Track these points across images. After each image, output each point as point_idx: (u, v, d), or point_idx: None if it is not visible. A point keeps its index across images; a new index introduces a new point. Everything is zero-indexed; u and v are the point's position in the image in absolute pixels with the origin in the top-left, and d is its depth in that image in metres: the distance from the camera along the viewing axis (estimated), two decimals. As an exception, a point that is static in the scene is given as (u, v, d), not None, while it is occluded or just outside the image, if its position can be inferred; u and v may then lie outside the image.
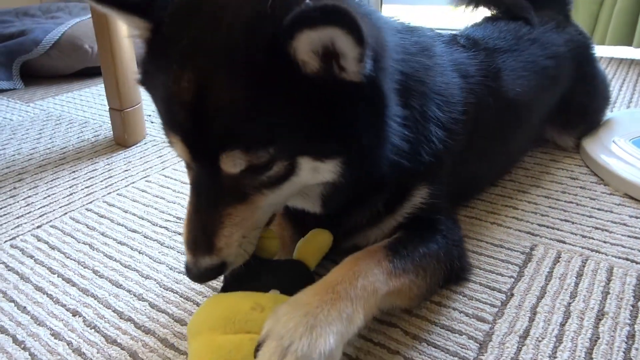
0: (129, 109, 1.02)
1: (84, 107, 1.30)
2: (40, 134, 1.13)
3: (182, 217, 0.76)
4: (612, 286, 0.58)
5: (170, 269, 0.64)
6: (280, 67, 0.39)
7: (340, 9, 0.34)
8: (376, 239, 0.54)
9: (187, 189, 0.85)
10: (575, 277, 0.59)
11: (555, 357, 0.49)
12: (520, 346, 0.50)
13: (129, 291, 0.60)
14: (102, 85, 1.45)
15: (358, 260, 0.48)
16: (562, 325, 0.52)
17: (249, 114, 0.41)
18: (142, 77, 0.48)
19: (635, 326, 0.52)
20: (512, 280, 0.59)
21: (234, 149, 0.41)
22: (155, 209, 0.79)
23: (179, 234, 0.72)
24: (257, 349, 0.39)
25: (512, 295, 0.57)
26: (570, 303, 0.55)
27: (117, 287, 0.61)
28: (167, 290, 0.60)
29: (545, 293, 0.57)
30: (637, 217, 0.71)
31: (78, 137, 1.10)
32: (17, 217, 0.78)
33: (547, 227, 0.70)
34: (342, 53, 0.38)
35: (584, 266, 0.61)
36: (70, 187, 0.88)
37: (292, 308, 0.41)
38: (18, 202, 0.83)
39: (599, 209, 0.74)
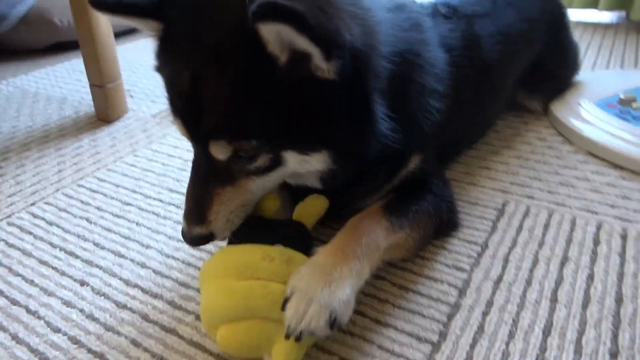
0: (110, 84, 1.02)
1: (60, 83, 1.28)
2: (18, 112, 1.12)
3: (174, 190, 0.79)
4: (575, 235, 0.64)
5: (169, 238, 0.67)
6: (260, 64, 0.42)
7: (285, 6, 0.37)
8: (372, 202, 0.58)
9: (175, 162, 0.88)
10: (543, 229, 0.65)
11: (524, 298, 0.55)
12: (494, 290, 0.56)
13: (132, 260, 0.63)
14: (76, 60, 1.44)
15: (360, 221, 0.53)
16: (531, 270, 0.59)
17: (233, 109, 0.45)
18: (157, 65, 0.52)
19: (594, 268, 0.59)
20: (487, 233, 0.65)
21: (219, 138, 0.46)
22: (147, 182, 0.82)
23: (174, 205, 0.75)
24: (285, 303, 0.44)
25: (487, 246, 0.63)
26: (538, 251, 0.62)
27: (120, 257, 0.64)
28: (168, 257, 0.64)
29: (516, 244, 0.63)
30: (598, 173, 0.78)
31: (58, 115, 1.10)
32: (9, 196, 0.80)
33: (518, 184, 0.76)
34: (307, 52, 0.41)
35: (550, 218, 0.67)
36: (58, 165, 0.89)
37: (311, 269, 0.46)
38: (7, 180, 0.84)
39: (564, 167, 0.80)
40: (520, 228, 0.66)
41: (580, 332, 0.50)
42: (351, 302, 0.46)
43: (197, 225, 0.50)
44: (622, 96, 0.90)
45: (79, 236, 0.69)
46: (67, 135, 1.00)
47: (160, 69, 0.51)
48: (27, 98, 1.19)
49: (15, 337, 0.53)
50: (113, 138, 0.98)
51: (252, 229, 0.52)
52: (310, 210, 0.56)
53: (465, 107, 0.72)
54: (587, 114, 0.90)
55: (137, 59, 1.42)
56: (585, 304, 0.54)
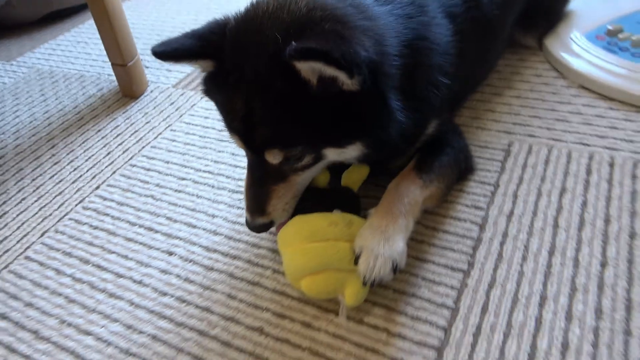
0: (130, 62, 1.08)
1: (70, 58, 1.33)
2: (42, 95, 1.18)
3: (219, 161, 0.89)
4: (570, 167, 0.76)
5: (230, 206, 0.79)
6: (296, 86, 0.52)
7: (321, 51, 0.46)
8: (402, 163, 0.69)
9: (210, 133, 0.97)
10: (544, 164, 0.77)
11: (532, 227, 0.68)
12: (507, 223, 0.69)
13: (204, 229, 0.75)
14: (75, 30, 1.47)
15: (399, 184, 0.65)
16: (536, 203, 0.71)
17: (280, 123, 0.56)
18: (206, 91, 0.63)
19: (587, 195, 0.71)
20: (497, 174, 0.77)
21: (273, 147, 0.57)
22: (192, 156, 0.91)
23: (223, 175, 0.86)
24: (356, 259, 0.57)
25: (498, 186, 0.75)
26: (540, 185, 0.74)
27: (193, 227, 0.76)
28: (234, 224, 0.76)
29: (522, 180, 0.75)
30: (589, 105, 0.88)
31: (83, 94, 1.17)
32: (73, 182, 0.90)
33: (520, 124, 0.86)
34: (334, 75, 0.50)
35: (549, 154, 0.79)
36: (104, 147, 0.98)
37: (371, 230, 0.59)
38: (64, 167, 0.94)
39: (559, 102, 0.90)
40: (525, 166, 0.78)
41: (577, 250, 0.64)
42: (405, 250, 0.59)
43: (260, 217, 0.62)
44: (609, 27, 0.98)
45: (151, 213, 0.80)
46: (100, 115, 1.08)
47: (211, 95, 0.62)
48: (45, 79, 1.24)
49: (132, 303, 0.66)
50: (145, 114, 1.06)
51: (312, 200, 0.63)
52: (355, 177, 0.67)
53: (472, 62, 0.81)
54: (577, 47, 0.98)
55: (133, 24, 1.44)
56: (580, 227, 0.67)
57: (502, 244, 0.66)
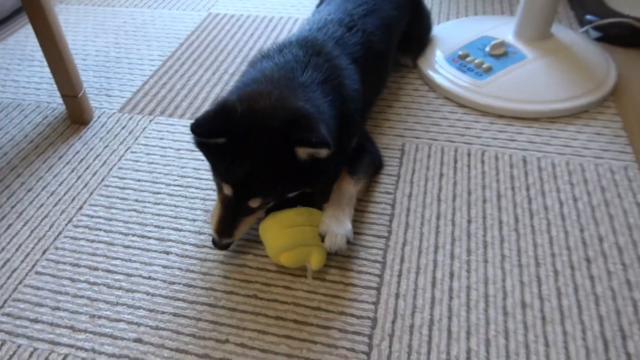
0: (81, 93, 1.20)
1: None
2: (-16, 125, 1.24)
3: (184, 175, 1.09)
4: (444, 158, 1.11)
5: (205, 211, 1.00)
6: (290, 161, 0.78)
7: (322, 142, 0.74)
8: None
9: (169, 152, 1.15)
10: (427, 158, 1.11)
11: (424, 203, 1.01)
12: (409, 202, 1.00)
13: (189, 231, 0.96)
14: None
15: (340, 186, 0.93)
16: (425, 186, 1.04)
17: (270, 185, 0.80)
18: (201, 146, 0.83)
19: (456, 177, 1.06)
20: (397, 167, 1.09)
21: (257, 197, 0.81)
22: (159, 173, 1.10)
23: (192, 187, 1.06)
24: (322, 239, 0.83)
25: (400, 176, 1.07)
26: (427, 173, 1.07)
27: (180, 231, 0.96)
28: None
29: (415, 171, 1.08)
30: (451, 112, 1.24)
31: (29, 123, 1.26)
32: (54, 205, 1.03)
33: (408, 129, 1.19)
34: (318, 152, 0.77)
35: (429, 150, 1.13)
36: (72, 172, 1.11)
37: (329, 218, 0.85)
38: (39, 193, 1.06)
39: (432, 110, 1.25)
40: (415, 160, 1.11)
41: (453, 214, 0.98)
42: (351, 229, 0.87)
43: (226, 238, 0.85)
44: (460, 52, 1.36)
45: (139, 224, 0.98)
46: (56, 143, 1.19)
47: (208, 151, 0.83)
48: (-19, 109, 1.30)
49: (148, 293, 0.85)
50: (100, 139, 1.20)
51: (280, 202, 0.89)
52: None
53: (372, 86, 1.12)
54: (439, 67, 1.35)
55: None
56: (454, 199, 1.01)
57: (407, 216, 0.98)
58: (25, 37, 1.65)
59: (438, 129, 1.19)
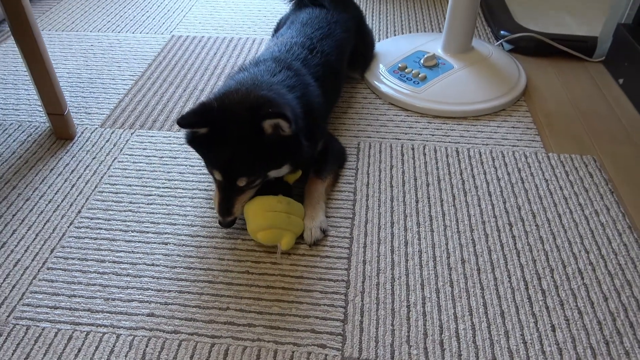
0: (66, 111, 1.32)
1: (-22, 109, 1.46)
2: (-32, 145, 1.32)
3: (170, 179, 1.23)
4: (393, 153, 1.32)
5: (194, 207, 1.15)
6: (260, 137, 0.95)
7: (281, 113, 0.91)
8: (309, 166, 1.16)
9: (153, 160, 1.29)
10: (378, 154, 1.32)
11: (380, 188, 1.21)
12: (367, 189, 1.20)
13: (183, 224, 1.10)
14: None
15: (310, 186, 1.11)
16: (379, 176, 1.24)
17: (249, 164, 0.97)
18: (191, 142, 0.99)
19: (404, 167, 1.27)
20: (355, 162, 1.29)
21: (242, 176, 0.98)
22: (147, 178, 1.23)
23: (180, 188, 1.20)
24: (304, 230, 1.02)
25: (357, 168, 1.27)
26: (379, 165, 1.28)
27: (174, 225, 1.10)
28: (203, 218, 1.12)
29: (370, 164, 1.28)
30: (396, 115, 1.47)
31: (15, 141, 1.35)
32: (54, 211, 1.14)
33: (361, 131, 1.40)
34: (282, 127, 0.94)
35: (380, 147, 1.34)
36: (66, 181, 1.22)
37: (309, 214, 1.05)
38: (37, 202, 1.16)
39: (380, 114, 1.47)
40: (369, 155, 1.31)
41: (403, 196, 1.19)
42: (325, 220, 1.07)
43: (227, 216, 1.01)
44: (399, 65, 1.60)
45: (136, 221, 1.11)
46: (45, 157, 1.30)
47: (197, 145, 0.99)
48: (-37, 130, 1.37)
49: (154, 277, 0.99)
50: (87, 152, 1.32)
51: (267, 188, 1.05)
52: (291, 177, 1.11)
53: (330, 96, 1.32)
54: (383, 78, 1.57)
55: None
56: (403, 184, 1.22)
57: (367, 200, 1.18)
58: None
59: (386, 129, 1.41)
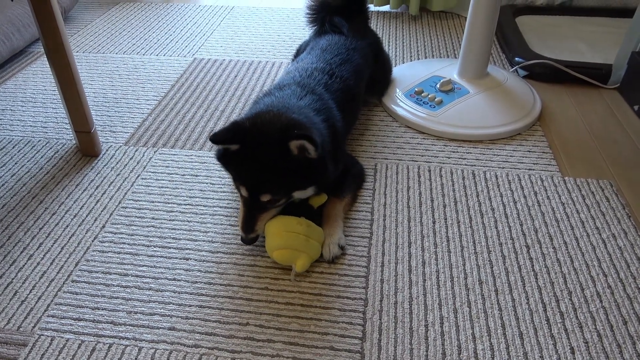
0: (93, 129, 1.37)
1: (5, 126, 1.51)
2: (1, 163, 1.37)
3: (192, 196, 1.26)
4: (410, 174, 1.34)
5: (214, 224, 1.17)
6: (287, 157, 0.98)
7: (307, 136, 0.94)
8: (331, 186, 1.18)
9: (175, 177, 1.32)
10: (395, 175, 1.34)
11: (397, 207, 1.22)
12: (385, 209, 1.22)
13: (203, 241, 1.13)
14: None
15: (330, 204, 1.14)
16: (396, 196, 1.26)
17: (275, 182, 0.99)
18: (221, 158, 1.03)
19: (421, 189, 1.29)
20: (373, 182, 1.31)
21: (267, 193, 1.00)
22: (169, 195, 1.26)
23: (201, 205, 1.23)
24: (322, 248, 1.03)
25: (375, 189, 1.29)
26: (396, 186, 1.30)
27: (195, 241, 1.12)
28: (224, 234, 1.14)
29: (387, 185, 1.30)
30: (412, 137, 1.49)
31: (42, 157, 1.40)
32: (79, 225, 1.17)
33: (378, 152, 1.43)
34: (308, 149, 0.97)
35: (397, 168, 1.36)
36: (90, 197, 1.25)
37: (327, 232, 1.07)
38: (63, 216, 1.20)
39: (396, 137, 1.50)
40: (386, 177, 1.33)
41: (421, 214, 1.20)
42: (343, 237, 1.09)
43: (251, 233, 1.04)
44: (416, 89, 1.63)
45: (158, 237, 1.13)
46: (71, 173, 1.34)
47: (226, 160, 1.02)
48: (-6, 146, 1.42)
49: (175, 292, 1.01)
50: (112, 168, 1.36)
51: (291, 209, 1.08)
52: (317, 201, 1.13)
53: (349, 119, 1.35)
54: (400, 102, 1.61)
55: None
56: (420, 205, 1.24)
57: (384, 220, 1.19)
58: (23, 80, 1.79)
59: (403, 152, 1.43)
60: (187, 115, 1.59)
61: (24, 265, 1.07)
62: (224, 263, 1.08)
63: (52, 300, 1.00)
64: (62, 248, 1.11)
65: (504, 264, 1.07)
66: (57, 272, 1.06)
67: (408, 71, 1.78)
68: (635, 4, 1.89)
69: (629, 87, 1.66)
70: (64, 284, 1.03)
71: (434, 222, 1.18)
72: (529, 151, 1.42)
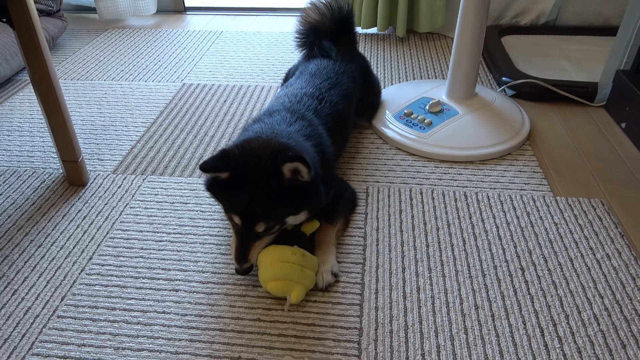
0: (80, 158, 1.35)
1: (-6, 157, 1.49)
2: (-17, 192, 1.34)
3: (182, 224, 1.24)
4: (401, 197, 1.33)
5: (205, 253, 1.15)
6: (279, 182, 0.96)
7: (300, 157, 0.92)
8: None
9: (165, 205, 1.30)
10: (387, 198, 1.33)
11: (390, 231, 1.21)
12: (377, 233, 1.21)
13: (194, 271, 1.10)
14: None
15: (322, 230, 1.12)
16: (388, 220, 1.25)
17: (268, 209, 0.98)
18: (210, 187, 1.01)
19: (413, 212, 1.28)
20: (365, 206, 1.30)
21: (261, 222, 0.98)
22: (158, 224, 1.24)
23: (191, 234, 1.21)
24: (317, 275, 1.01)
25: (367, 213, 1.28)
26: (388, 209, 1.29)
27: (185, 271, 1.10)
28: (214, 263, 1.12)
29: (378, 208, 1.29)
30: (403, 159, 1.49)
31: (28, 187, 1.37)
32: (65, 258, 1.14)
33: (369, 175, 1.42)
34: (301, 171, 0.96)
35: (389, 191, 1.35)
36: (78, 228, 1.23)
37: (320, 259, 1.05)
38: (49, 248, 1.17)
39: (387, 159, 1.49)
40: (378, 200, 1.32)
41: (414, 238, 1.19)
42: (336, 263, 1.07)
43: (244, 263, 1.01)
44: (405, 111, 1.64)
45: (147, 268, 1.11)
46: (57, 203, 1.31)
47: (216, 190, 1.01)
48: (-22, 177, 1.40)
49: (164, 325, 0.98)
50: (99, 198, 1.33)
51: (284, 237, 1.06)
52: (309, 228, 1.11)
53: (339, 143, 1.34)
54: (390, 124, 1.61)
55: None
56: (413, 229, 1.23)
57: (377, 245, 1.18)
58: (10, 109, 1.77)
59: (394, 174, 1.42)
60: (176, 141, 1.58)
61: (7, 301, 1.04)
62: (215, 294, 1.06)
63: (36, 338, 0.96)
64: (48, 282, 1.08)
65: (500, 288, 1.06)
66: (42, 308, 1.02)
67: (397, 93, 1.78)
68: (616, 23, 1.93)
69: (615, 104, 1.68)
70: (49, 320, 1.00)
71: (427, 246, 1.17)
72: (520, 171, 1.42)
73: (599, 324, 0.97)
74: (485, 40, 1.61)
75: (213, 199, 1.11)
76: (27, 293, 1.06)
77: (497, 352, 0.93)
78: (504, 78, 1.85)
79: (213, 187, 1.01)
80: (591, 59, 2.00)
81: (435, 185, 1.37)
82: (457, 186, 1.36)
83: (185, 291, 1.06)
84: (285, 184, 0.97)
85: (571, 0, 2.24)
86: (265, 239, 1.03)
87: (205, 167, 0.94)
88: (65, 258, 1.14)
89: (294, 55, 2.08)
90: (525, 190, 1.34)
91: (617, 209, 1.27)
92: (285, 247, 1.03)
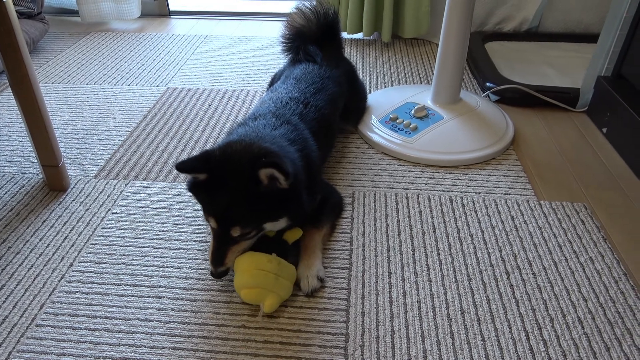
0: (61, 163, 1.32)
1: (-29, 161, 1.45)
2: (-41, 197, 1.30)
3: (165, 230, 1.22)
4: (387, 201, 1.33)
5: (189, 259, 1.13)
6: (256, 187, 0.95)
7: (275, 163, 0.91)
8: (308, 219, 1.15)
9: (147, 211, 1.28)
10: (373, 202, 1.33)
11: (376, 235, 1.21)
12: (363, 237, 1.20)
13: (177, 277, 1.08)
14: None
15: (307, 237, 1.11)
16: (375, 225, 1.25)
17: (244, 214, 0.96)
18: (192, 188, 1.00)
19: (399, 216, 1.28)
20: (351, 211, 1.29)
21: (236, 226, 0.97)
22: (141, 230, 1.22)
23: (174, 239, 1.19)
24: (298, 284, 1.00)
25: (353, 217, 1.27)
26: (374, 214, 1.28)
27: (168, 278, 1.08)
28: (198, 270, 1.10)
29: (365, 213, 1.29)
30: (389, 164, 1.49)
31: (6, 193, 1.34)
32: (45, 265, 1.11)
33: (355, 180, 1.42)
34: (278, 178, 0.94)
35: (375, 195, 1.35)
36: (58, 234, 1.20)
37: (302, 266, 1.04)
38: (28, 255, 1.14)
39: (373, 164, 1.49)
40: (364, 204, 1.32)
41: (399, 242, 1.19)
42: (322, 268, 1.06)
43: (220, 267, 0.99)
44: (391, 116, 1.64)
45: (129, 275, 1.08)
46: (37, 209, 1.28)
47: (196, 191, 0.99)
48: (-46, 182, 1.36)
49: (147, 333, 0.96)
50: (80, 203, 1.30)
51: (262, 244, 1.04)
52: (291, 236, 1.09)
53: (324, 147, 1.34)
54: (376, 128, 1.61)
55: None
56: (399, 233, 1.23)
57: (363, 250, 1.17)
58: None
59: (380, 179, 1.42)
60: (160, 145, 1.56)
61: (-17, 310, 1.01)
62: (199, 300, 1.04)
63: (13, 348, 0.93)
64: (26, 290, 1.05)
65: (485, 292, 1.06)
66: (20, 317, 0.99)
67: (383, 98, 1.79)
68: (597, 30, 1.96)
69: (596, 110, 1.70)
70: (27, 329, 0.97)
71: (413, 251, 1.17)
72: (504, 175, 1.43)
73: (583, 327, 0.98)
74: (469, 46, 1.62)
75: (196, 202, 1.09)
76: (4, 301, 1.03)
77: (484, 356, 0.92)
78: (487, 83, 1.86)
79: (194, 188, 1.00)
80: (573, 65, 2.03)
81: (421, 189, 1.37)
82: (443, 191, 1.37)
83: (169, 298, 1.04)
84: (263, 190, 0.96)
85: (553, 7, 2.28)
86: (242, 243, 1.01)
87: (181, 166, 0.93)
88: (45, 265, 1.11)
89: (280, 60, 2.07)
90: (509, 194, 1.35)
91: (600, 213, 1.29)
92: (261, 254, 1.02)
